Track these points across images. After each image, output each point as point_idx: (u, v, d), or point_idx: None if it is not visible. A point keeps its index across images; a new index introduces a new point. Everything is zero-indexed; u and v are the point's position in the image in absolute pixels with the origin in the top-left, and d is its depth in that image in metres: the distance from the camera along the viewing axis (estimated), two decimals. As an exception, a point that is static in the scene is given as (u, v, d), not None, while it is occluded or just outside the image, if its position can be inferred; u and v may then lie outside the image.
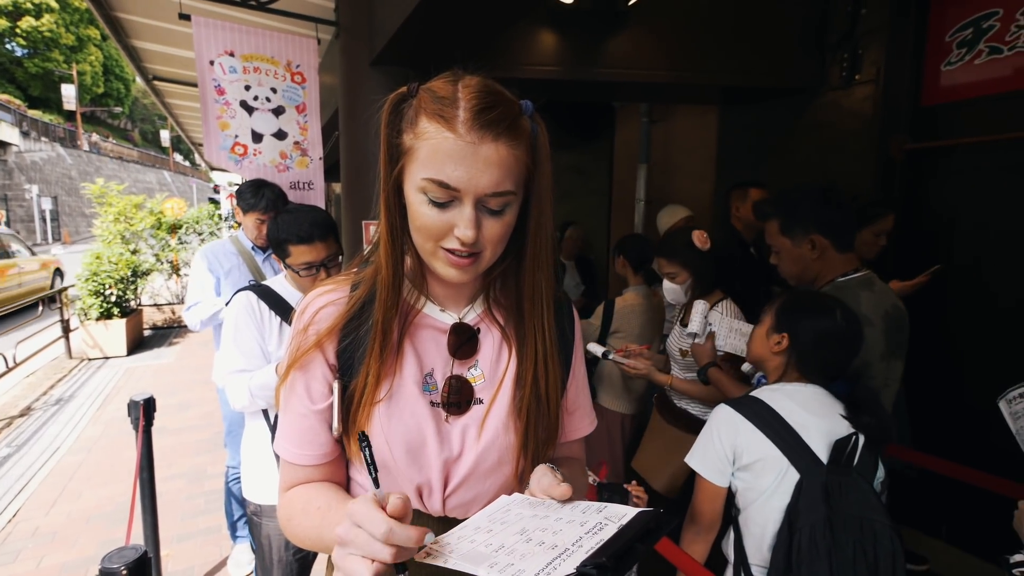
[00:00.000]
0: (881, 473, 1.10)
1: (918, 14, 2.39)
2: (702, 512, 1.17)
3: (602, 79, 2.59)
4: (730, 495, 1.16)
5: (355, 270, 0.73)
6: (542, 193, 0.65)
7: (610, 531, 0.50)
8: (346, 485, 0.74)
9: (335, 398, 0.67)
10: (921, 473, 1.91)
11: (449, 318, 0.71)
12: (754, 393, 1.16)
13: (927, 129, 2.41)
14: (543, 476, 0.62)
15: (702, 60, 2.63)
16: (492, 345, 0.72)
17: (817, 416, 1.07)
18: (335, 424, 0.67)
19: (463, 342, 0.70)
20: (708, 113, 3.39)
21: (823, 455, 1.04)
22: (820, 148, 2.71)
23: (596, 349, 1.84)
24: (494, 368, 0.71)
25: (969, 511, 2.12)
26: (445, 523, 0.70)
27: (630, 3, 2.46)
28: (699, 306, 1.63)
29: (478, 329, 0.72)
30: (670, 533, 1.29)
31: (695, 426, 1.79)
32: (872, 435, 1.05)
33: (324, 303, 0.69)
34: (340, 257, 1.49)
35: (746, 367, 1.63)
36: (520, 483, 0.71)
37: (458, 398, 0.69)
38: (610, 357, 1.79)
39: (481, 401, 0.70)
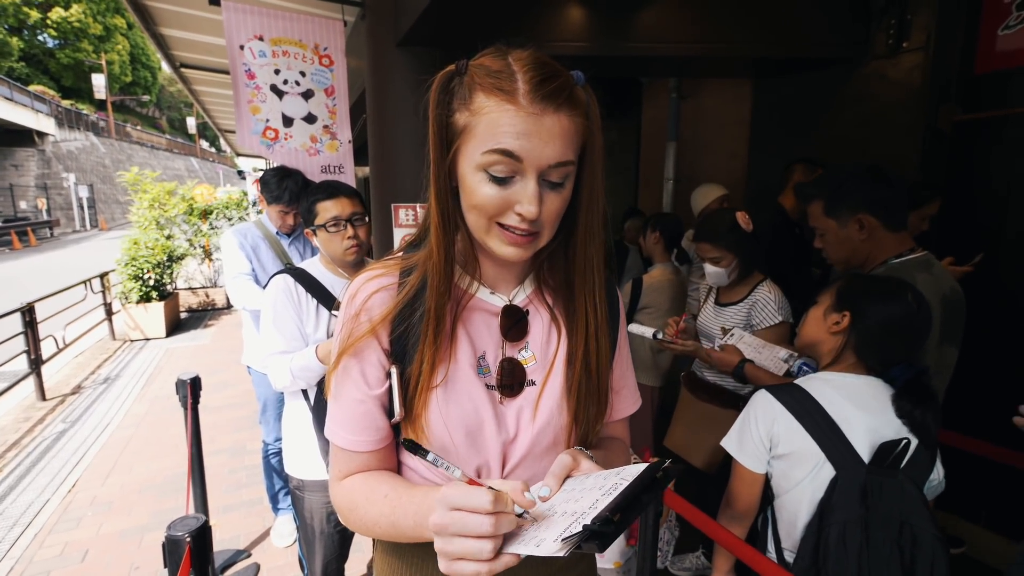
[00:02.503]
0: (936, 474, 1.06)
1: (974, -26, 2.24)
2: (739, 497, 1.15)
3: (631, 54, 2.51)
4: (767, 479, 1.14)
5: (401, 254, 0.72)
6: (595, 164, 0.64)
7: (621, 488, 0.51)
8: (397, 470, 0.74)
9: (394, 383, 0.66)
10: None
11: (500, 300, 0.71)
12: (799, 381, 1.11)
13: (980, 99, 2.27)
14: (559, 458, 0.62)
15: (735, 30, 2.52)
16: (542, 327, 0.72)
17: (866, 412, 1.02)
18: (397, 409, 0.66)
19: (513, 324, 0.70)
20: (741, 87, 3.26)
21: (865, 453, 0.99)
22: (861, 122, 2.58)
23: (644, 331, 1.83)
24: (545, 350, 0.71)
25: (1010, 497, 2.06)
26: None
27: (661, -27, 2.37)
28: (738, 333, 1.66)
29: (527, 311, 0.72)
30: (708, 510, 1.29)
31: (729, 400, 1.79)
32: (912, 427, 1.01)
33: (375, 288, 0.68)
34: (367, 219, 1.52)
35: (783, 354, 1.60)
36: None
37: (511, 380, 0.69)
38: (658, 337, 1.78)
39: (534, 383, 0.70)
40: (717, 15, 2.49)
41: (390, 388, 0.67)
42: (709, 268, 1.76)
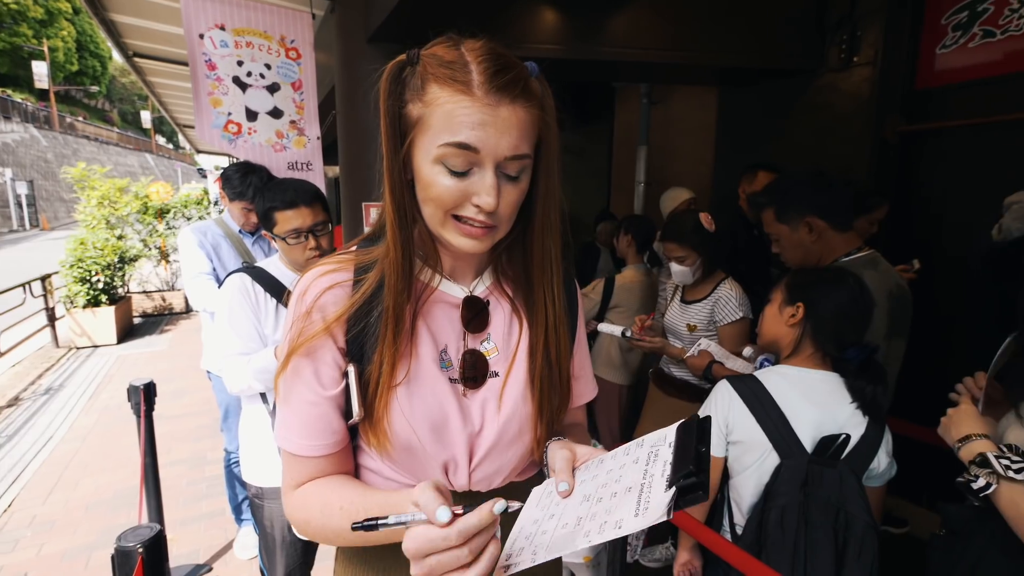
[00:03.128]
0: (879, 462, 1.11)
1: (915, -4, 2.39)
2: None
3: (603, 58, 2.55)
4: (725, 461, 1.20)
5: (354, 248, 0.70)
6: (551, 156, 0.64)
7: (667, 452, 0.52)
8: (355, 473, 0.71)
9: (352, 383, 0.64)
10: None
11: (460, 291, 0.70)
12: (757, 373, 1.17)
13: (921, 111, 2.42)
14: (556, 454, 0.63)
15: (703, 40, 2.60)
16: (503, 318, 0.72)
17: (814, 405, 1.09)
18: (356, 409, 0.64)
19: (475, 315, 0.69)
20: (708, 94, 3.37)
21: (809, 444, 1.06)
22: (818, 130, 2.71)
23: (613, 329, 1.87)
24: (506, 340, 0.71)
25: (949, 479, 2.20)
26: (470, 496, 0.70)
27: (632, -20, 2.42)
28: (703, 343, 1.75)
29: (487, 302, 0.71)
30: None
31: (695, 395, 1.85)
32: (864, 404, 1.08)
33: (328, 284, 0.64)
34: (330, 226, 1.46)
35: (747, 351, 1.67)
36: (539, 448, 0.73)
37: (474, 372, 0.68)
38: (627, 335, 1.83)
39: (497, 374, 0.70)
40: (686, 24, 2.56)
41: (347, 388, 0.64)
42: (675, 267, 1.82)
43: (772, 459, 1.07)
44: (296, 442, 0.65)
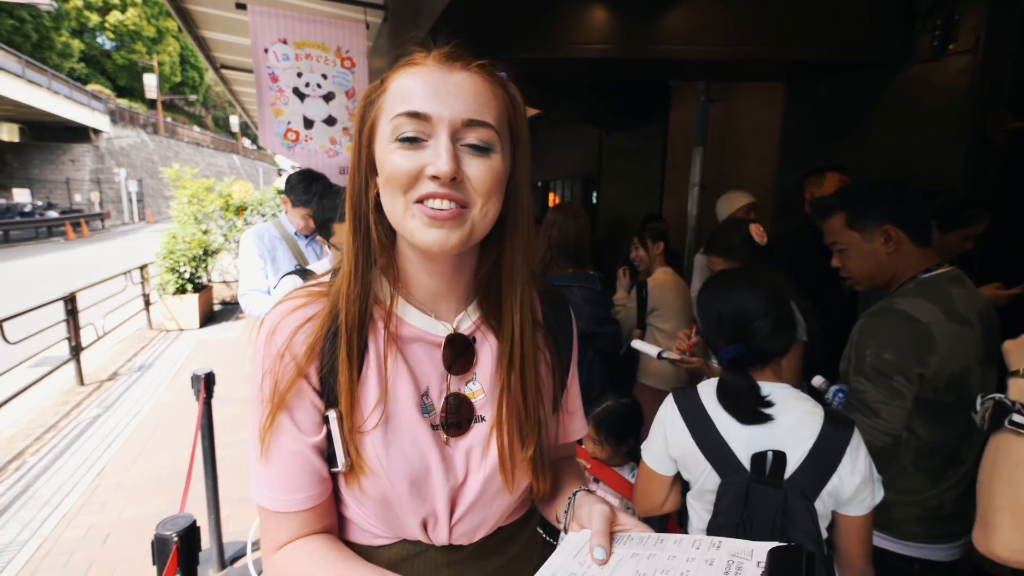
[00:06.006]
0: (844, 485, 0.96)
1: (1031, -29, 2.07)
2: (643, 495, 1.15)
3: (657, 56, 2.44)
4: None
5: (328, 278, 0.66)
6: (522, 157, 0.61)
7: (755, 570, 0.46)
8: (338, 524, 0.66)
9: (334, 428, 0.59)
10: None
11: (443, 329, 0.64)
12: (701, 384, 1.10)
13: (1034, 105, 2.10)
14: (592, 509, 0.58)
15: (767, 32, 2.41)
16: (490, 356, 0.65)
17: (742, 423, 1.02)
18: (341, 458, 0.59)
19: (458, 355, 0.64)
20: (772, 90, 3.13)
21: (746, 461, 0.99)
22: (899, 129, 2.43)
23: (649, 349, 1.76)
24: (494, 381, 0.65)
25: None
26: (449, 551, 0.65)
27: (688, -27, 2.29)
28: None
29: (474, 339, 0.65)
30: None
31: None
32: (727, 399, 1.03)
33: (299, 321, 0.60)
34: None
35: (816, 381, 1.51)
36: (529, 495, 0.68)
37: (458, 418, 0.63)
38: (664, 356, 1.72)
39: (483, 418, 0.64)
40: (749, 15, 2.39)
41: (329, 434, 0.60)
42: None
43: (714, 477, 1.02)
44: (278, 499, 0.59)
